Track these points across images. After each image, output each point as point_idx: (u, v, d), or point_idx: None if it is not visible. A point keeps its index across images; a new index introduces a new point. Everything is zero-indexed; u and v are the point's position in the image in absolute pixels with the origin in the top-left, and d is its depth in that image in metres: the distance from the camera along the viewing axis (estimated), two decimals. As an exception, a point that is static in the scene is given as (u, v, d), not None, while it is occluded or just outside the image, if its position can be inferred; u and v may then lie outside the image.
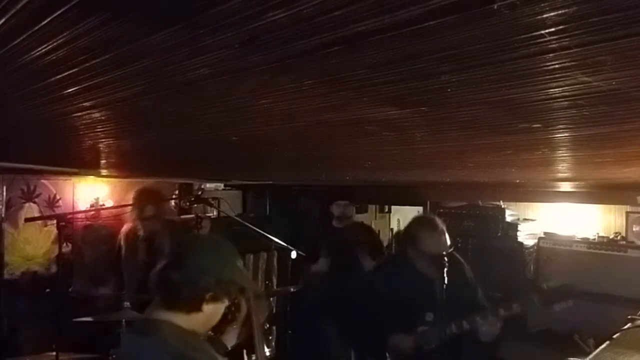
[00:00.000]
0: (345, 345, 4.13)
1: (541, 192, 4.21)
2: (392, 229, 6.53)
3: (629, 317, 2.25)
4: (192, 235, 2.00)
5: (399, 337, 2.67)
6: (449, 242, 2.71)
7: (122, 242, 3.95)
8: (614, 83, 0.79)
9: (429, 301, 2.63)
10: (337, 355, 4.21)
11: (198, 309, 1.61)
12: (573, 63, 0.71)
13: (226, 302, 1.70)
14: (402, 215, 6.46)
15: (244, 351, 2.00)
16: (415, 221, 2.98)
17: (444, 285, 2.55)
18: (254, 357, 2.69)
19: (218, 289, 1.63)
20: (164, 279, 1.62)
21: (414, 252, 2.77)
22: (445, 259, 2.61)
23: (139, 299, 3.29)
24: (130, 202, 4.20)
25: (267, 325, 2.33)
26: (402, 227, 6.31)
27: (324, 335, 4.31)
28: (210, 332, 1.78)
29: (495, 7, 0.54)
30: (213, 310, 1.66)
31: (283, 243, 3.83)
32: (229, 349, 1.93)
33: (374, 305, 2.77)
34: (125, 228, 4.00)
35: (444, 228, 2.74)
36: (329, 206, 4.50)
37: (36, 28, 0.71)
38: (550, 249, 3.99)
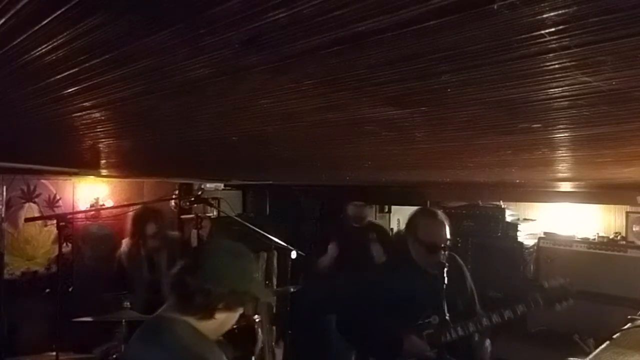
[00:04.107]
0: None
1: (541, 192, 4.21)
2: (392, 229, 6.52)
3: (629, 317, 2.25)
4: (215, 241, 2.02)
5: (405, 341, 2.63)
6: (448, 234, 2.68)
7: (123, 260, 3.92)
8: (614, 83, 0.80)
9: (429, 300, 2.60)
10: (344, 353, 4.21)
11: (210, 316, 1.61)
12: (573, 63, 0.71)
13: (240, 311, 1.70)
14: (402, 215, 6.45)
15: (252, 358, 2.02)
16: (417, 211, 2.98)
17: (443, 284, 2.53)
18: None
19: (231, 299, 1.63)
20: (180, 282, 1.62)
21: (413, 242, 2.75)
22: (444, 252, 2.60)
23: (143, 300, 3.30)
24: (130, 205, 4.19)
25: (269, 326, 2.34)
26: (402, 227, 6.34)
27: (331, 333, 4.31)
28: (220, 337, 1.78)
29: (495, 7, 0.54)
30: (225, 319, 1.66)
31: (283, 243, 3.83)
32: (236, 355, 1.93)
33: (377, 304, 2.76)
34: (124, 246, 3.97)
35: (445, 220, 2.73)
36: (339, 207, 4.52)
37: (36, 28, 0.71)
38: (550, 248, 3.99)
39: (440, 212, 2.80)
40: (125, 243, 3.97)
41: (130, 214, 4.05)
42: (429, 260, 2.66)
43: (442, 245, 2.62)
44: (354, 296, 3.09)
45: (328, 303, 4.23)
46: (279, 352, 4.20)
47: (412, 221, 2.87)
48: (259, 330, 2.02)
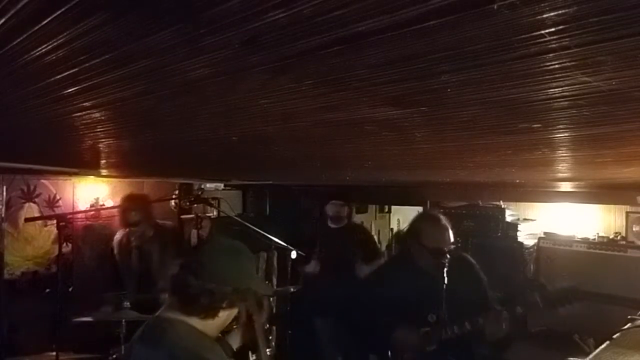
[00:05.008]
0: (340, 346, 4.15)
1: (541, 192, 4.21)
2: (392, 229, 6.53)
3: (629, 317, 2.25)
4: (214, 241, 2.03)
5: (401, 337, 2.67)
6: (452, 238, 2.71)
7: (115, 250, 3.93)
8: (614, 83, 0.79)
9: (431, 300, 2.63)
10: (333, 355, 4.22)
11: (214, 315, 1.63)
12: (573, 63, 0.71)
13: (240, 307, 1.71)
14: (402, 215, 6.46)
15: (249, 352, 2.03)
16: (419, 216, 3.00)
17: (445, 285, 2.56)
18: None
19: (234, 298, 1.64)
20: (183, 284, 1.62)
21: (417, 247, 2.77)
22: (448, 255, 2.62)
23: (139, 299, 3.30)
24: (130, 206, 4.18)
25: (267, 325, 2.35)
26: (402, 227, 6.36)
27: (319, 335, 4.31)
28: (219, 334, 1.79)
29: (495, 7, 0.54)
30: (227, 316, 1.68)
31: (283, 243, 3.83)
32: (235, 350, 1.94)
33: (374, 305, 2.78)
34: (117, 235, 3.99)
35: (448, 224, 2.75)
36: (324, 206, 4.50)
37: (36, 28, 0.71)
38: (550, 249, 3.99)
39: (442, 216, 2.82)
40: (117, 234, 3.98)
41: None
42: (430, 263, 2.68)
43: (445, 250, 2.65)
44: (346, 296, 3.11)
45: (313, 305, 4.23)
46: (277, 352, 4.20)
47: (415, 225, 2.90)
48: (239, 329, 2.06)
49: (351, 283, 3.89)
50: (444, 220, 2.78)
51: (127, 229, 3.86)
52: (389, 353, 2.72)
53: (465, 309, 2.61)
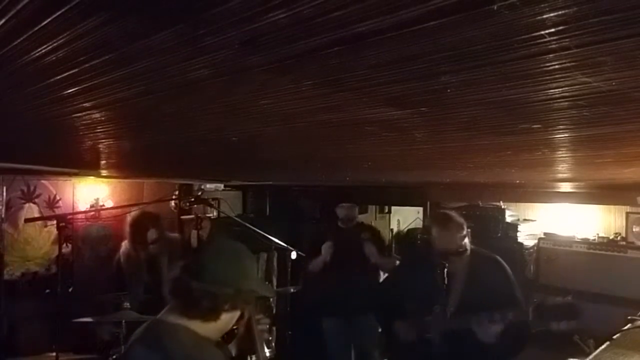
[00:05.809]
0: (348, 345, 4.17)
1: (541, 193, 4.20)
2: (392, 230, 6.52)
3: (629, 317, 2.26)
4: (215, 243, 2.03)
5: (404, 324, 2.93)
6: (459, 237, 2.83)
7: (122, 261, 3.89)
8: (613, 84, 0.80)
9: (439, 293, 2.78)
10: (338, 355, 4.22)
11: (216, 318, 1.62)
12: (573, 64, 0.71)
13: (242, 309, 1.70)
14: (402, 216, 6.45)
15: (249, 357, 2.05)
16: (432, 216, 3.16)
17: (451, 281, 2.73)
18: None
19: (237, 300, 1.63)
20: (184, 287, 1.61)
21: (428, 244, 3.01)
22: (456, 254, 2.79)
23: (141, 302, 3.30)
24: (130, 206, 4.16)
25: (269, 327, 2.35)
26: (402, 227, 6.35)
27: (325, 335, 4.31)
28: (219, 338, 1.78)
29: (495, 7, 0.54)
30: (229, 319, 1.67)
31: (283, 243, 3.83)
32: (234, 355, 1.94)
33: (390, 300, 3.04)
34: (123, 248, 3.94)
35: (457, 225, 2.87)
36: (333, 208, 4.50)
37: (36, 29, 0.71)
38: (550, 249, 3.99)
39: (453, 218, 2.93)
40: (124, 246, 3.94)
41: (129, 218, 4.01)
42: (442, 259, 2.81)
43: (452, 248, 2.79)
44: (363, 295, 3.42)
45: (323, 305, 4.23)
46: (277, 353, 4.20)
47: (427, 225, 3.17)
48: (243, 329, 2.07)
49: (363, 281, 3.93)
50: (454, 221, 2.89)
51: (136, 246, 3.81)
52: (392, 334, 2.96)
53: (479, 308, 2.66)
